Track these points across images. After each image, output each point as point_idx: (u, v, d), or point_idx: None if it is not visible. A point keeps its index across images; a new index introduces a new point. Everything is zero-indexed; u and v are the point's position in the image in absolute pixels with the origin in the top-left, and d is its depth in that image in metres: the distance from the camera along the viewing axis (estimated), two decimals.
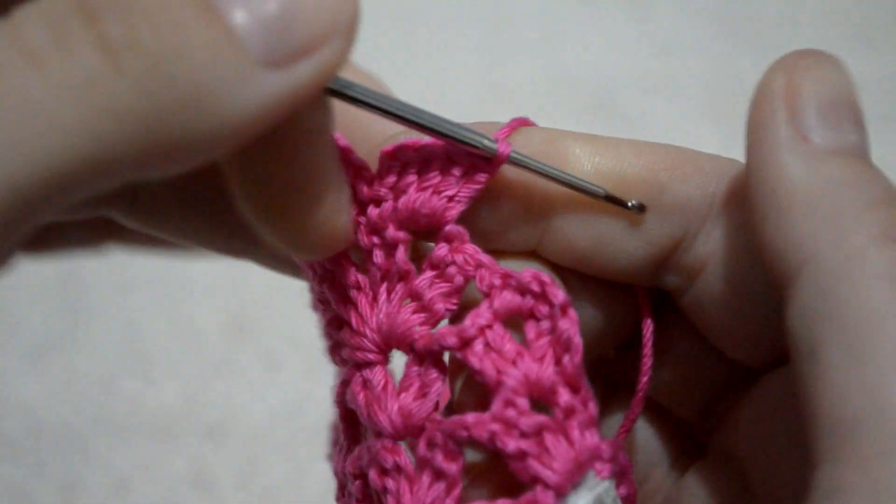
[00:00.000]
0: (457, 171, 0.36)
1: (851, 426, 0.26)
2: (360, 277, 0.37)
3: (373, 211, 0.37)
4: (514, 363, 0.34)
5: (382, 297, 0.36)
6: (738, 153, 0.37)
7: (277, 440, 0.93)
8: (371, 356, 0.36)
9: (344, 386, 0.38)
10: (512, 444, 0.33)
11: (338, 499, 0.39)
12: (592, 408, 0.34)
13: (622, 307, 0.39)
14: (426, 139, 0.36)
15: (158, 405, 0.93)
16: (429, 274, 0.37)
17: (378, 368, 0.36)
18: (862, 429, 0.26)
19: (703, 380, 0.39)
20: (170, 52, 0.24)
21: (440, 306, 0.36)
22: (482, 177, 0.36)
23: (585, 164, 0.36)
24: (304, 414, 0.94)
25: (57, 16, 0.24)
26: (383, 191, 0.37)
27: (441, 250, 0.37)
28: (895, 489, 0.25)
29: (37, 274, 1.02)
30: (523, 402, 0.33)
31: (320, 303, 0.39)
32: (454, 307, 0.37)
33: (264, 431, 0.93)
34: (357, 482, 0.37)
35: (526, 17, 1.28)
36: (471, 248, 0.36)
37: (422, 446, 0.35)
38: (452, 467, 0.34)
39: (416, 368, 0.36)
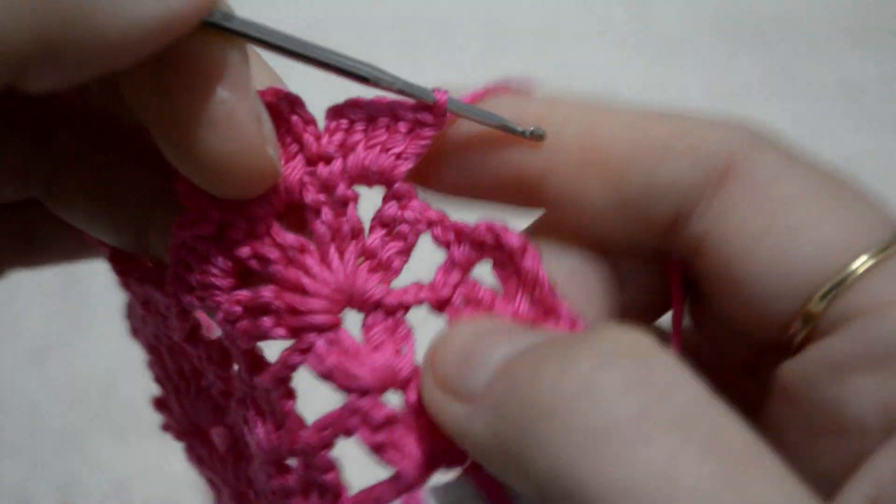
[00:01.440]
0: (403, 127, 0.36)
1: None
2: (304, 240, 0.35)
3: (323, 169, 0.36)
4: (492, 308, 0.35)
5: (334, 256, 0.35)
6: None
7: None
8: (330, 317, 0.34)
9: (295, 357, 0.35)
10: None
11: (270, 479, 0.37)
12: (581, 325, 0.35)
13: (649, 285, 0.38)
14: (372, 97, 0.35)
15: None
16: (380, 232, 0.36)
17: (340, 329, 0.35)
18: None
19: (733, 361, 0.39)
20: None
21: (397, 264, 0.36)
22: (429, 131, 0.36)
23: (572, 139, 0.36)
24: (304, 414, 0.94)
25: None
26: (332, 148, 0.36)
27: (391, 209, 0.36)
28: None
29: (37, 274, 1.01)
30: None
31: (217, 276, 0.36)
32: (405, 263, 0.36)
33: None
34: (320, 452, 0.35)
35: (526, 18, 1.28)
36: (420, 204, 0.36)
37: (413, 395, 0.34)
38: None
39: (379, 327, 0.35)
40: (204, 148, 0.31)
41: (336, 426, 0.34)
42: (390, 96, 0.36)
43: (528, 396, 0.29)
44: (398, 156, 0.36)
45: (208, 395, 0.40)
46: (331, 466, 0.35)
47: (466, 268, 0.36)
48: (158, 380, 0.42)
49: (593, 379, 0.28)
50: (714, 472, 0.26)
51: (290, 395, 0.36)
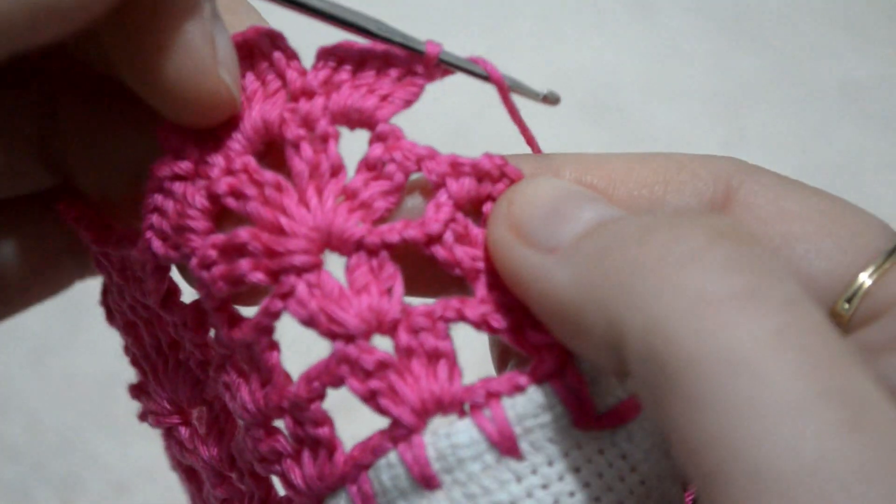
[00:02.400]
0: (393, 73, 0.35)
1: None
2: (281, 178, 0.34)
3: (304, 103, 0.34)
4: (485, 249, 0.34)
5: (312, 194, 0.34)
6: (738, 153, 0.37)
7: None
8: (312, 257, 0.33)
9: (277, 303, 0.33)
10: (506, 319, 0.33)
11: (258, 442, 0.35)
12: None
13: None
14: (364, 42, 0.35)
15: None
16: (364, 174, 0.35)
17: (322, 271, 0.33)
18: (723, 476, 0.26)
19: None
20: None
21: (380, 203, 0.34)
22: (420, 80, 0.35)
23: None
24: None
25: None
26: (315, 84, 0.35)
27: (376, 150, 0.34)
28: None
29: None
30: (504, 286, 0.33)
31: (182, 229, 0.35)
32: (393, 206, 0.35)
33: None
34: (310, 405, 0.33)
35: (526, 17, 1.28)
36: (408, 143, 0.35)
37: (404, 336, 0.32)
38: (448, 345, 0.33)
39: (365, 267, 0.33)
40: (158, 72, 0.32)
41: (325, 376, 0.33)
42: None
43: (632, 255, 0.29)
44: (384, 97, 0.35)
45: (187, 369, 0.38)
46: (323, 420, 0.33)
47: (461, 204, 0.34)
48: (135, 362, 0.40)
49: (707, 250, 0.28)
50: (818, 355, 0.26)
51: (274, 346, 0.34)
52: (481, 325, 0.33)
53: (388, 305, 0.33)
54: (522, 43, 1.25)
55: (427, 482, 0.31)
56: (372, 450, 0.32)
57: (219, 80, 0.33)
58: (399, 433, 0.32)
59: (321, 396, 0.33)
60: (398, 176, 0.34)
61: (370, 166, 0.34)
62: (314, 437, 0.33)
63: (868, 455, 0.24)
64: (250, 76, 0.35)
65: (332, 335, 0.32)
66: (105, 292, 0.41)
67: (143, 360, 0.40)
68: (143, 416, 0.41)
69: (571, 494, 0.31)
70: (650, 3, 1.31)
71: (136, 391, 0.41)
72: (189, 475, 0.41)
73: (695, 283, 0.27)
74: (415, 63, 0.35)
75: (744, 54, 1.24)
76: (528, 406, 0.32)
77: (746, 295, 0.27)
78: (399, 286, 0.33)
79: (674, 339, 0.26)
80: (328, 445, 0.33)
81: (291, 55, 0.35)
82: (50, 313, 1.02)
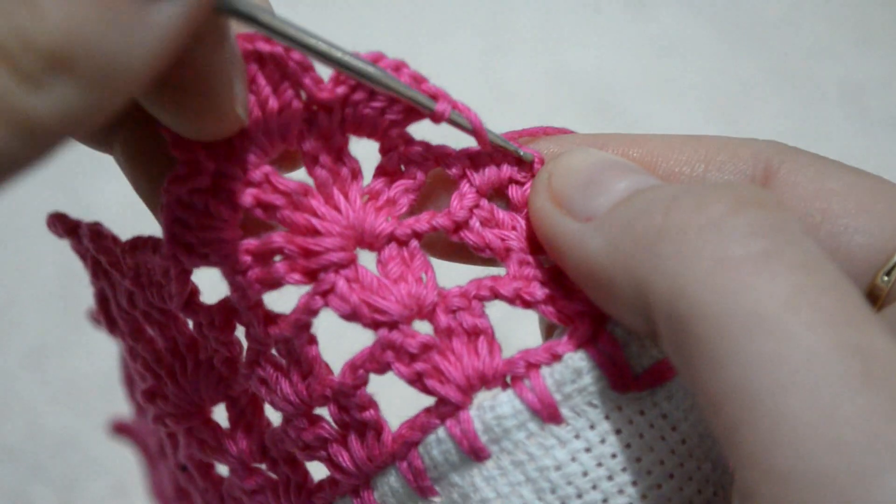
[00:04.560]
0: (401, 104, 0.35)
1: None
2: (306, 184, 0.35)
3: (323, 118, 0.35)
4: (513, 228, 0.36)
5: (339, 196, 0.35)
6: None
7: None
8: (346, 254, 0.34)
9: (315, 300, 0.35)
10: (538, 292, 0.35)
11: (300, 432, 0.37)
12: None
13: None
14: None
15: None
16: (384, 177, 0.36)
17: (359, 266, 0.35)
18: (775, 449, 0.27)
19: None
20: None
21: (403, 200, 0.36)
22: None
23: None
24: None
25: None
26: (334, 99, 0.35)
27: (393, 156, 0.36)
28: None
29: (36, 276, 1.01)
30: (535, 259, 0.35)
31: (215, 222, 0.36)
32: (415, 202, 0.36)
33: None
34: (356, 392, 0.35)
35: (526, 18, 1.28)
36: (422, 143, 0.36)
37: (443, 318, 0.34)
38: (485, 322, 0.35)
39: (396, 260, 0.35)
40: (175, 114, 0.32)
41: (370, 363, 0.34)
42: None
43: (658, 222, 0.30)
44: (392, 122, 0.35)
45: (209, 367, 0.40)
46: (370, 403, 0.35)
47: (483, 191, 0.36)
48: (147, 367, 0.41)
49: (727, 217, 0.29)
50: (833, 312, 0.27)
51: (313, 340, 0.36)
52: (515, 300, 0.35)
53: (424, 291, 0.34)
54: (522, 43, 1.25)
55: (476, 454, 0.33)
56: (420, 427, 0.34)
57: (235, 116, 0.33)
58: (446, 410, 0.34)
59: (365, 383, 0.35)
60: (419, 174, 0.36)
61: (389, 171, 0.36)
62: (361, 421, 0.35)
63: (878, 402, 0.26)
64: (260, 78, 0.35)
65: (375, 325, 0.34)
66: (103, 303, 0.41)
67: (155, 363, 0.41)
68: (157, 419, 0.42)
69: (613, 456, 0.33)
70: (650, 3, 1.31)
71: (149, 395, 0.42)
72: (203, 472, 0.42)
73: (716, 248, 0.29)
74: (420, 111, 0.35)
75: (744, 54, 1.24)
76: (565, 373, 0.33)
77: (765, 257, 0.28)
78: (432, 272, 0.35)
79: (696, 301, 0.28)
80: (375, 427, 0.35)
81: (307, 66, 0.35)
82: (49, 314, 1.02)
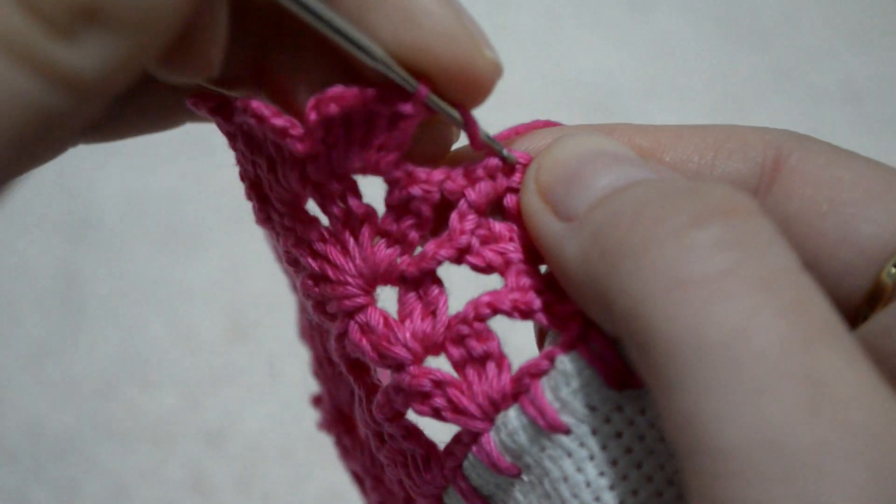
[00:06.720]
0: (382, 119, 0.35)
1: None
2: (323, 230, 0.36)
3: (312, 169, 0.35)
4: (511, 239, 0.36)
5: (350, 241, 0.36)
6: None
7: (277, 445, 0.92)
8: (359, 300, 0.36)
9: (341, 340, 0.37)
10: (535, 302, 0.34)
11: (377, 450, 0.39)
12: None
13: None
14: (340, 89, 0.33)
15: (157, 410, 0.93)
16: (392, 213, 0.36)
17: (371, 309, 0.36)
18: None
19: None
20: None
21: (413, 234, 0.36)
22: (407, 123, 0.34)
23: None
24: (303, 418, 0.94)
25: None
26: (317, 148, 0.35)
27: (394, 193, 0.36)
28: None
29: (35, 278, 1.01)
30: (533, 269, 0.35)
31: (290, 265, 0.38)
32: (426, 234, 0.36)
33: (264, 436, 0.93)
34: (393, 423, 0.37)
35: (526, 18, 1.28)
36: (421, 173, 0.35)
37: (454, 351, 0.35)
38: (493, 344, 0.35)
39: (411, 295, 0.36)
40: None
41: (385, 406, 0.36)
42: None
43: (623, 233, 0.29)
44: (379, 148, 0.35)
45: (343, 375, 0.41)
46: (414, 430, 0.37)
47: (482, 209, 0.36)
48: (316, 373, 0.43)
49: (689, 231, 0.28)
50: (787, 337, 0.26)
51: (364, 368, 0.38)
52: (513, 312, 0.35)
53: (430, 327, 0.35)
54: (522, 43, 1.25)
55: (505, 472, 0.34)
56: (448, 454, 0.36)
57: (209, 61, 0.32)
58: (466, 441, 0.35)
59: (401, 416, 0.37)
60: (424, 209, 0.36)
61: (394, 206, 0.36)
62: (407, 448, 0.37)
63: (824, 435, 0.25)
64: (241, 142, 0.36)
65: (386, 368, 0.35)
66: (255, 185, 0.39)
67: (319, 369, 0.44)
68: (322, 426, 0.44)
69: (614, 463, 0.32)
70: (650, 3, 1.31)
71: (315, 402, 0.44)
72: (356, 477, 0.45)
73: (673, 267, 0.28)
74: (400, 100, 0.34)
75: (744, 54, 1.24)
76: (558, 378, 0.33)
77: (723, 276, 0.27)
78: (444, 304, 0.36)
79: (651, 325, 0.27)
80: (425, 453, 0.37)
81: (281, 129, 0.34)
82: (49, 316, 1.02)
